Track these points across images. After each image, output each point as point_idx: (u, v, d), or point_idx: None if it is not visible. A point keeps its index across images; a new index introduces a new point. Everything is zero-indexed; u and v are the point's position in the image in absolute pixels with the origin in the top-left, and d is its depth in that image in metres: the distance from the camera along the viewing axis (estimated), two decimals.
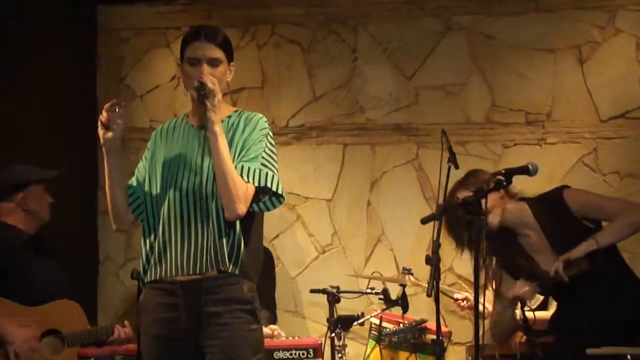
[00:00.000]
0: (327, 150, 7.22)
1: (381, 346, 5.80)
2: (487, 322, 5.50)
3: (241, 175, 3.96)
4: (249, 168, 3.99)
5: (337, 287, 6.05)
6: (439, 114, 7.05)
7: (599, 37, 6.91)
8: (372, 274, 6.35)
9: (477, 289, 4.51)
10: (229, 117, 4.15)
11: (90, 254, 7.35)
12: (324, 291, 6.05)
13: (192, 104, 4.17)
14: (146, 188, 4.18)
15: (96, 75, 7.53)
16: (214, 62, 4.04)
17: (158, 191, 4.12)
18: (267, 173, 4.02)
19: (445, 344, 5.69)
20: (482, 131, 7.01)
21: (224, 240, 3.95)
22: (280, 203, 4.10)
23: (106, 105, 4.06)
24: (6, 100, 6.53)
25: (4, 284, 5.12)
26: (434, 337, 5.31)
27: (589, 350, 4.55)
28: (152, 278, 4.04)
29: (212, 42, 4.03)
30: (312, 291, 6.16)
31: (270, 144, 4.10)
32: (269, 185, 4.00)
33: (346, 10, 7.28)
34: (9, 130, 6.52)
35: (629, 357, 4.55)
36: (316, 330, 6.79)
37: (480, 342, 4.54)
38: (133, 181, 4.24)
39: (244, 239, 4.00)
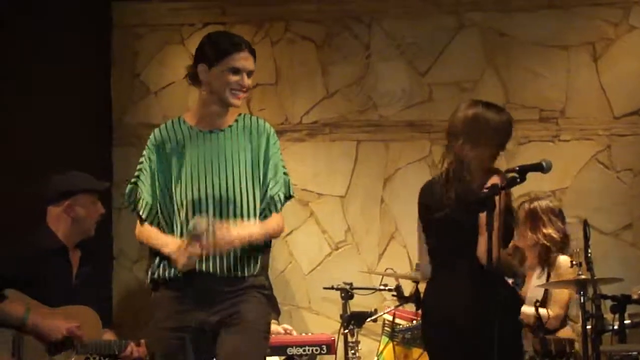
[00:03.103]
0: (341, 147, 7.22)
1: (394, 342, 5.82)
2: None
3: (275, 207, 4.27)
4: (279, 197, 4.28)
5: (351, 284, 6.07)
6: (452, 110, 7.00)
7: (613, 34, 6.90)
8: (385, 270, 6.36)
9: None
10: (236, 120, 4.33)
11: (104, 249, 7.38)
12: (337, 288, 6.07)
13: (198, 105, 4.35)
14: (159, 198, 4.29)
15: (111, 71, 7.55)
16: (250, 74, 4.29)
17: (177, 198, 4.23)
18: (288, 181, 4.34)
19: None
20: None
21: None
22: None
23: None
24: (21, 97, 6.56)
25: (27, 286, 5.11)
26: None
27: (602, 347, 4.55)
28: (171, 276, 4.19)
29: (252, 55, 4.30)
30: (326, 288, 6.17)
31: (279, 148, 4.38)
32: (292, 194, 4.36)
33: (360, 7, 7.29)
34: (25, 127, 6.54)
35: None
36: (329, 326, 6.80)
37: None
38: (146, 198, 4.32)
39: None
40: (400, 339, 5.82)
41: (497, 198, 4.43)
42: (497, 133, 4.72)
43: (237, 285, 4.19)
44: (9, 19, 6.53)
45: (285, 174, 4.33)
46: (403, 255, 7.04)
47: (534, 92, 6.98)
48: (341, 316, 5.99)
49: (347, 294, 5.99)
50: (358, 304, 6.14)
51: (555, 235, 5.89)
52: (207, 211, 4.16)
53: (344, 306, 5.97)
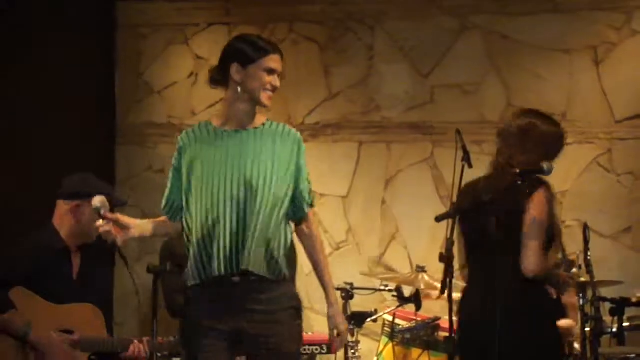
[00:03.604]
0: (343, 148, 7.25)
1: (394, 343, 5.84)
2: None
3: (309, 207, 4.44)
4: (309, 199, 4.45)
5: (351, 284, 6.08)
6: (454, 112, 7.07)
7: (615, 38, 6.92)
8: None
9: None
10: (264, 124, 4.42)
11: (106, 248, 7.38)
12: (337, 288, 6.09)
13: (224, 106, 4.45)
14: (185, 198, 4.38)
15: (115, 70, 7.58)
16: (279, 75, 4.41)
17: (200, 195, 4.29)
18: (310, 189, 4.47)
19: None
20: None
21: (274, 243, 4.29)
22: None
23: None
24: (25, 96, 6.59)
25: (30, 284, 5.12)
26: (447, 334, 5.35)
27: (601, 350, 4.57)
28: (202, 278, 4.28)
29: (282, 59, 4.42)
30: None
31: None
32: (313, 200, 4.50)
33: (363, 9, 7.31)
34: (29, 126, 6.57)
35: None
36: None
37: None
38: (168, 195, 4.47)
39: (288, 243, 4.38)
40: (400, 339, 5.83)
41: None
42: (548, 144, 4.80)
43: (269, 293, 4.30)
44: (12, 18, 6.55)
45: (309, 182, 4.46)
46: (404, 256, 7.07)
47: (535, 95, 7.00)
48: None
49: (347, 294, 6.00)
50: (358, 304, 6.16)
51: None
52: (228, 208, 4.24)
53: (345, 306, 5.98)
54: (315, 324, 6.98)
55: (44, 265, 5.17)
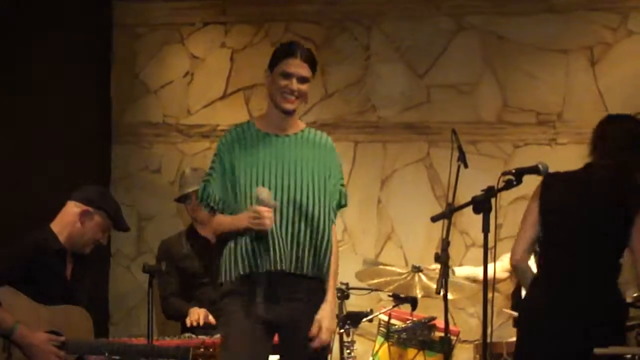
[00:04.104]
0: (339, 148, 7.08)
1: (389, 343, 5.83)
2: (495, 319, 5.53)
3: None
4: (335, 214, 4.59)
5: (347, 284, 6.08)
6: (450, 112, 7.07)
7: (611, 39, 6.92)
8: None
9: (485, 285, 4.54)
10: (302, 131, 4.56)
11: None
12: None
13: (266, 110, 4.57)
14: (225, 196, 4.48)
15: (111, 70, 7.57)
16: (303, 80, 4.48)
17: (242, 197, 4.42)
18: (344, 193, 4.66)
19: (454, 342, 5.73)
20: (493, 130, 7.04)
21: (322, 245, 4.47)
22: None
23: None
24: (21, 95, 6.58)
25: (21, 281, 5.10)
26: (442, 334, 5.35)
27: (597, 350, 4.58)
28: (245, 272, 4.39)
29: (306, 62, 4.50)
30: None
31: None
32: (346, 203, 4.68)
33: (360, 9, 7.31)
34: (23, 126, 6.56)
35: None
36: None
37: (489, 340, 4.58)
38: (218, 193, 4.51)
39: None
40: (396, 339, 5.83)
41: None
42: None
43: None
44: (9, 17, 6.55)
45: (342, 185, 4.61)
46: (400, 256, 7.07)
47: (531, 95, 7.00)
48: (337, 316, 6.00)
49: (343, 293, 6.00)
50: (354, 304, 6.16)
51: None
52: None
53: (340, 306, 5.98)
54: None
55: (40, 265, 5.15)
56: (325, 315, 4.42)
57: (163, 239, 6.56)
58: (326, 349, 4.50)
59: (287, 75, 4.43)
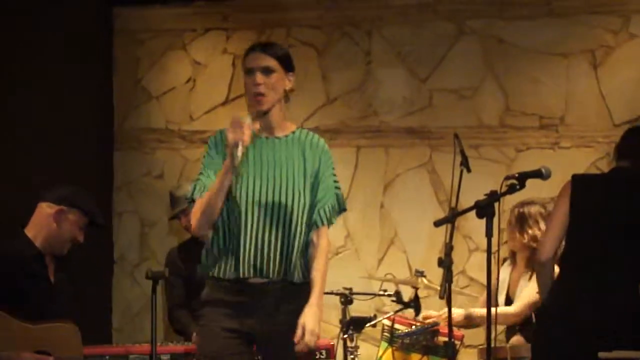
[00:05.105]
0: (341, 153, 7.23)
1: (393, 348, 5.82)
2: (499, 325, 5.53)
3: (323, 221, 4.33)
4: (329, 211, 4.34)
5: (350, 289, 6.08)
6: (452, 117, 7.07)
7: (613, 42, 6.92)
8: (385, 275, 6.37)
9: (489, 290, 4.53)
10: (293, 132, 4.37)
11: (105, 253, 7.40)
12: (336, 293, 6.09)
13: (256, 116, 4.28)
14: None
15: (113, 76, 7.58)
16: (266, 71, 4.25)
17: (236, 199, 4.24)
18: (340, 196, 4.41)
19: (457, 347, 5.72)
20: (495, 135, 7.03)
21: (298, 252, 4.28)
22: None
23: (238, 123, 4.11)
24: (22, 101, 6.58)
25: (3, 298, 4.98)
26: (446, 339, 5.35)
27: (601, 354, 4.57)
28: (222, 276, 4.24)
29: (265, 53, 4.28)
30: (325, 293, 6.17)
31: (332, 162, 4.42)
32: (344, 207, 4.43)
33: (360, 14, 7.31)
34: (26, 131, 6.56)
35: None
36: (329, 331, 6.80)
37: (492, 345, 4.57)
38: (204, 182, 4.32)
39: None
40: (399, 344, 5.82)
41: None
42: None
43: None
44: (10, 23, 6.55)
45: (337, 188, 4.38)
46: (403, 261, 7.06)
47: (533, 99, 7.00)
48: (340, 321, 6.00)
49: (346, 299, 6.00)
50: (357, 309, 6.16)
51: (540, 236, 5.85)
52: (257, 212, 4.22)
53: (344, 311, 5.98)
54: None
55: (21, 275, 4.98)
56: (309, 319, 4.20)
57: (170, 250, 6.57)
58: (312, 353, 4.33)
59: (249, 72, 4.25)
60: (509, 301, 5.91)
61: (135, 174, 7.54)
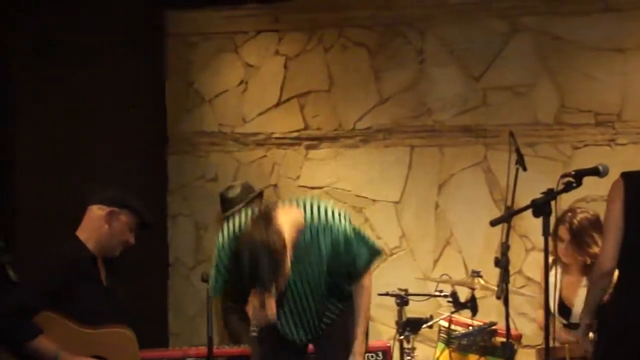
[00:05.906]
0: (395, 153, 7.22)
1: (450, 349, 5.79)
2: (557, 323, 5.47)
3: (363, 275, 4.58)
4: (365, 267, 4.58)
5: (406, 290, 6.05)
6: (507, 115, 7.02)
7: None
8: (440, 276, 6.33)
9: (546, 290, 4.48)
10: (303, 235, 4.43)
11: (160, 257, 7.43)
12: (392, 294, 6.06)
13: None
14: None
15: (165, 80, 7.61)
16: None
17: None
18: (372, 243, 4.61)
19: (515, 347, 5.67)
20: (551, 132, 6.97)
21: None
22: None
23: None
24: (78, 108, 6.63)
25: (59, 301, 5.01)
26: (504, 339, 5.30)
27: None
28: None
29: None
30: (381, 294, 6.16)
31: (352, 224, 4.55)
32: (379, 250, 4.67)
33: (412, 13, 7.28)
34: (80, 135, 6.61)
35: None
36: (385, 332, 6.79)
37: (551, 345, 4.52)
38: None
39: None
40: (457, 345, 5.79)
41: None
42: None
43: None
44: (64, 30, 6.60)
45: (364, 237, 4.57)
46: (459, 261, 7.02)
47: (589, 95, 6.93)
48: (396, 322, 5.98)
49: (402, 300, 5.97)
50: (413, 310, 6.12)
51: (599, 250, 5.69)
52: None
53: (399, 312, 5.95)
54: (370, 332, 6.95)
55: (76, 279, 4.98)
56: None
57: None
58: None
59: None
60: (562, 306, 5.82)
61: (189, 177, 7.56)
